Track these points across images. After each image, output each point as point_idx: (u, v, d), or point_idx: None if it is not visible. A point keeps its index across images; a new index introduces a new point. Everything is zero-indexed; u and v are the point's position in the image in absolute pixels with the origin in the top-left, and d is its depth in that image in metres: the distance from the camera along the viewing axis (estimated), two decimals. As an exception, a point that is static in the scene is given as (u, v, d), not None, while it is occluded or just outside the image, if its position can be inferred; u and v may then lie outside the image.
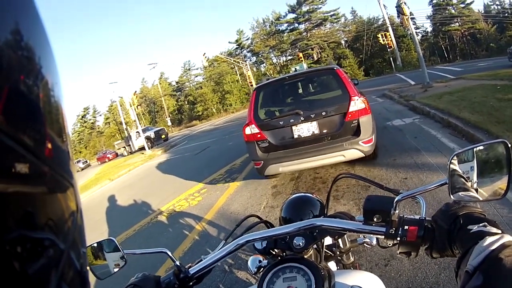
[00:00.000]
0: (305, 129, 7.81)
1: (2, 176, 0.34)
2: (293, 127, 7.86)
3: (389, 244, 1.26)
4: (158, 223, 8.73)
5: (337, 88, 8.18)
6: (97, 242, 1.67)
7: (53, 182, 0.42)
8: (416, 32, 48.24)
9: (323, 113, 7.63)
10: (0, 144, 0.34)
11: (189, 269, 1.47)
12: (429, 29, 70.14)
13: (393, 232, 1.22)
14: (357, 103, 7.48)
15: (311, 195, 1.89)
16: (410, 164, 7.28)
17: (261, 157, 8.14)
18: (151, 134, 40.48)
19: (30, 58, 0.39)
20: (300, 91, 9.63)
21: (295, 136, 7.89)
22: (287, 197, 6.63)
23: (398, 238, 1.21)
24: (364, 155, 7.46)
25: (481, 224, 1.01)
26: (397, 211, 1.22)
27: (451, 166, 1.19)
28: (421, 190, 1.29)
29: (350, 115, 7.47)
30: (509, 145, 1.14)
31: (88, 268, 0.54)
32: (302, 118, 7.72)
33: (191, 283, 1.46)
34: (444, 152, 7.44)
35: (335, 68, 8.48)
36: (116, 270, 1.64)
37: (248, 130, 8.40)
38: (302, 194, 1.94)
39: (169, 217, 8.85)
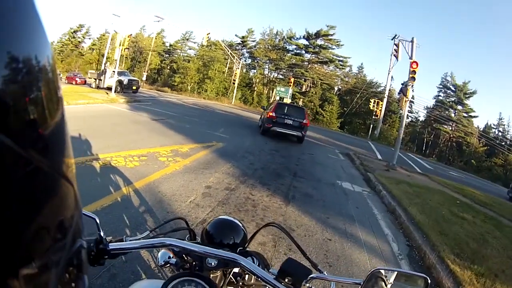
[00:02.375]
0: (289, 121, 21.51)
1: (2, 176, 0.35)
2: (285, 118, 21.43)
3: None
4: (90, 168, 8.62)
5: (302, 113, 22.59)
6: None
7: (53, 181, 0.44)
8: (407, 115, 49.00)
9: (296, 118, 21.56)
10: (0, 145, 0.35)
11: (110, 244, 1.48)
12: (421, 118, 70.29)
13: None
14: (307, 121, 22.32)
15: (239, 224, 1.92)
16: (340, 229, 7.35)
17: (272, 124, 21.50)
18: (124, 79, 40.19)
19: (27, 59, 0.39)
20: (290, 108, 23.03)
21: (285, 122, 21.34)
22: (219, 205, 7.10)
23: None
24: (300, 136, 22.09)
25: None
26: (308, 284, 1.35)
27: (370, 275, 1.28)
28: (336, 280, 1.42)
29: (303, 123, 21.81)
30: (429, 282, 1.26)
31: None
32: (288, 117, 21.41)
33: (106, 256, 1.47)
34: (376, 234, 7.55)
35: (304, 108, 26.24)
36: None
37: (271, 114, 21.67)
38: (232, 219, 1.97)
39: (103, 167, 8.76)
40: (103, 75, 41.23)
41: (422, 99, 76.60)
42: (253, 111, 52.83)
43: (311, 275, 1.35)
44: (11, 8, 0.39)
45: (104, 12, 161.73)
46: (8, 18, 0.38)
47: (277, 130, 21.47)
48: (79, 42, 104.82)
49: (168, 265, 1.77)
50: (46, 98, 0.43)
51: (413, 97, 24.50)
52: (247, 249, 1.78)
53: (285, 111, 21.90)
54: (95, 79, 44.31)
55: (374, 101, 52.93)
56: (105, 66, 44.10)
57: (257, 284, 1.78)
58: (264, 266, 1.58)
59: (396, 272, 1.32)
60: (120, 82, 38.14)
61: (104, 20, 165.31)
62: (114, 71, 36.16)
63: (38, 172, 0.40)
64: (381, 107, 52.24)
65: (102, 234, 1.49)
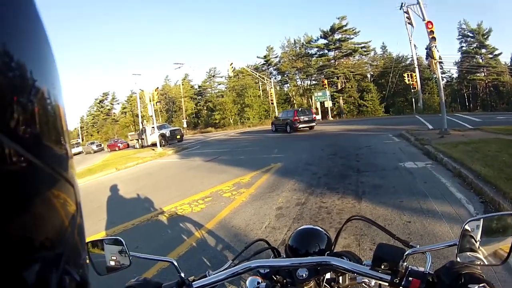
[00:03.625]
0: (305, 118, 35.13)
1: (2, 176, 0.35)
2: (303, 117, 35.04)
3: None
4: (158, 222, 8.73)
5: (310, 111, 37.38)
6: (100, 239, 1.69)
7: (53, 182, 0.45)
8: (441, 77, 48.23)
9: (308, 116, 35.66)
10: (0, 145, 0.35)
11: (193, 283, 1.47)
12: (455, 75, 69.52)
13: (397, 282, 1.24)
14: (314, 115, 37.16)
15: (320, 229, 1.87)
16: (415, 208, 7.21)
17: (297, 124, 34.27)
18: (166, 132, 39.76)
19: (27, 63, 0.40)
20: (303, 111, 36.97)
21: (303, 120, 34.91)
22: (295, 222, 6.88)
23: None
24: (314, 124, 35.77)
25: (481, 285, 1.04)
26: (405, 263, 1.26)
27: (463, 230, 1.24)
28: (431, 248, 1.36)
29: (313, 117, 36.32)
30: None
31: (87, 261, 0.56)
32: (304, 116, 35.33)
33: None
34: (450, 202, 7.39)
35: (310, 108, 45.96)
36: (113, 264, 1.65)
37: (296, 118, 34.50)
38: (312, 227, 1.92)
39: (170, 219, 8.85)
40: (144, 134, 41.69)
41: (449, 56, 74.57)
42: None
43: (406, 253, 1.29)
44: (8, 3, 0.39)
45: (124, 75, 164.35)
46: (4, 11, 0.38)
47: (301, 126, 34.79)
48: (109, 109, 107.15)
49: None
50: (44, 96, 0.44)
51: (440, 58, 24.16)
52: (334, 251, 1.73)
53: (301, 113, 35.84)
54: (137, 139, 45.12)
55: (407, 74, 52.30)
56: (143, 125, 44.69)
57: (352, 284, 1.75)
58: (356, 261, 1.49)
59: (484, 218, 1.27)
60: (163, 136, 38.39)
61: (126, 82, 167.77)
62: (153, 127, 37.02)
63: (37, 172, 0.41)
64: (415, 79, 51.51)
65: (182, 275, 1.48)
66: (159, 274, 5.60)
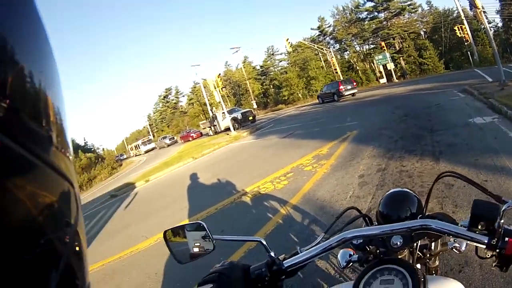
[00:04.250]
0: (348, 86, 39.51)
1: (2, 176, 0.36)
2: (346, 86, 39.33)
3: (488, 255, 1.20)
4: (242, 204, 8.83)
5: (351, 81, 41.30)
6: (179, 226, 1.70)
7: (52, 181, 0.45)
8: (489, 27, 46.71)
9: (350, 84, 39.68)
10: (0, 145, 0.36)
11: (284, 261, 1.42)
12: (500, 24, 65.95)
13: (494, 243, 1.15)
14: (355, 83, 40.67)
15: (410, 191, 1.78)
16: (490, 166, 6.98)
17: (343, 92, 38.61)
18: (238, 115, 39.83)
19: (26, 60, 0.42)
20: (345, 81, 41.21)
21: (347, 88, 39.17)
22: (378, 188, 6.85)
23: (497, 250, 1.15)
24: (356, 91, 39.72)
25: None
26: (502, 221, 1.17)
27: None
28: None
29: (354, 85, 39.88)
30: None
31: (87, 262, 0.55)
32: (347, 84, 39.49)
33: (283, 277, 1.42)
34: (522, 158, 7.21)
35: (350, 78, 48.28)
36: (197, 251, 1.64)
37: (341, 87, 38.65)
38: (401, 189, 1.83)
39: (253, 199, 8.93)
40: (216, 120, 42.03)
41: (491, 5, 71.56)
42: (365, 89, 51.74)
43: (502, 208, 1.19)
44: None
45: (182, 68, 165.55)
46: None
47: (346, 93, 38.58)
48: (175, 103, 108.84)
49: (351, 264, 1.70)
50: (44, 94, 0.45)
51: (483, 7, 23.37)
52: (426, 214, 1.62)
53: (345, 83, 40.01)
54: (209, 127, 45.67)
55: (458, 27, 50.42)
56: (213, 112, 45.17)
57: (444, 250, 1.71)
58: (451, 222, 1.33)
59: None
60: (235, 119, 38.48)
61: (187, 75, 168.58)
62: (223, 112, 37.32)
63: (37, 172, 0.41)
64: (466, 31, 49.49)
65: (272, 254, 1.45)
66: (246, 256, 5.64)
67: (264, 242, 1.50)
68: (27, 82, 0.40)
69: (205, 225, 1.63)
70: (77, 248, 0.51)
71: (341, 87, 39.76)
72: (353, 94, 39.89)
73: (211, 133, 45.15)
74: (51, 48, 0.49)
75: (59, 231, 0.45)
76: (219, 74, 37.72)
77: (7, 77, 0.36)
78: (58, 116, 0.48)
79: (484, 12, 41.07)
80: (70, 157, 0.52)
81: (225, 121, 38.29)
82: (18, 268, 0.37)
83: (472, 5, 18.60)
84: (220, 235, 1.62)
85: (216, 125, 42.33)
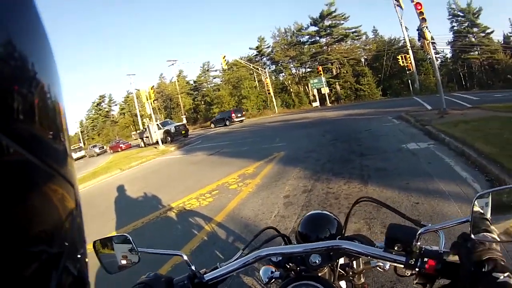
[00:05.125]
0: (238, 115, 47.76)
1: (1, 176, 0.35)
2: (236, 114, 47.07)
3: (407, 273, 1.29)
4: (167, 219, 8.80)
5: (241, 111, 49.04)
6: (107, 237, 1.72)
7: (52, 181, 0.45)
8: (435, 57, 48.15)
9: (240, 113, 48.47)
10: None
11: (205, 275, 1.49)
12: (449, 55, 69.32)
13: (412, 263, 1.25)
14: (244, 113, 50.04)
15: (329, 214, 1.88)
16: (422, 189, 7.21)
17: (233, 119, 46.79)
18: (171, 128, 39.84)
19: (26, 60, 0.41)
20: (237, 110, 47.28)
21: (236, 116, 46.88)
22: (303, 209, 6.86)
23: (417, 269, 1.24)
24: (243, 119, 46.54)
25: (506, 274, 1.03)
26: (418, 243, 1.26)
27: (474, 206, 1.23)
28: (444, 226, 1.37)
29: (242, 113, 48.01)
30: None
31: (87, 260, 0.56)
32: (238, 113, 47.03)
33: None
34: (456, 181, 7.40)
35: (242, 108, 55.27)
36: (124, 263, 1.67)
37: (233, 115, 48.12)
38: (321, 211, 1.93)
39: (179, 214, 8.91)
40: (148, 132, 41.29)
41: (441, 36, 74.31)
42: (297, 112, 52.75)
43: (418, 232, 1.27)
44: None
45: (118, 76, 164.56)
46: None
47: (235, 119, 43.52)
48: (107, 112, 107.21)
49: (273, 280, 1.70)
50: (44, 92, 0.44)
51: (432, 38, 23.98)
52: (346, 235, 1.71)
53: (236, 112, 46.74)
54: (141, 138, 44.83)
55: (401, 56, 52.11)
56: (146, 123, 44.18)
57: (367, 268, 1.76)
58: (368, 244, 1.46)
59: (494, 192, 1.26)
60: (167, 132, 39.17)
61: (122, 83, 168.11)
62: (157, 124, 37.21)
63: (36, 171, 0.41)
64: (409, 60, 51.33)
65: (193, 268, 1.50)
66: (173, 270, 5.65)
67: (185, 257, 1.54)
68: (27, 83, 0.41)
69: (130, 238, 1.67)
70: (77, 249, 0.52)
71: (233, 114, 50.84)
72: (241, 121, 49.70)
73: (142, 145, 44.29)
74: (51, 48, 0.49)
75: (59, 231, 0.47)
76: (153, 86, 37.89)
77: (7, 78, 0.37)
78: (57, 116, 0.48)
79: (433, 43, 42.42)
80: (70, 156, 0.52)
81: (157, 133, 37.90)
82: (18, 268, 0.37)
83: (421, 36, 19.06)
84: (144, 248, 1.67)
85: (147, 137, 41.89)
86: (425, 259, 1.23)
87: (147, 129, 41.83)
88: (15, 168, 0.37)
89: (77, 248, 0.51)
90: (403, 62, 51.31)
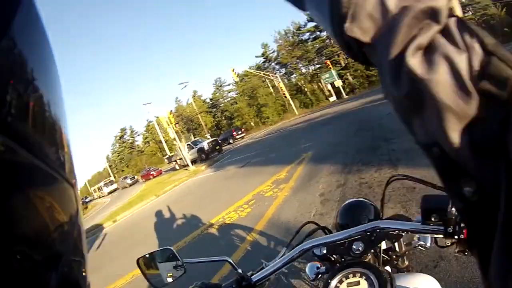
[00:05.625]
0: (239, 132, 53.01)
1: (2, 177, 0.35)
2: (237, 132, 52.46)
3: (448, 243, 1.27)
4: (209, 235, 8.87)
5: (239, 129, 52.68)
6: (151, 252, 1.75)
7: (52, 182, 0.45)
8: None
9: (240, 131, 50.31)
10: None
11: (252, 277, 1.50)
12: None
13: (451, 231, 1.21)
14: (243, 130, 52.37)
15: (365, 200, 1.92)
16: None
17: (235, 136, 48.96)
18: (204, 145, 39.28)
19: (25, 58, 0.41)
20: (236, 128, 50.70)
21: (237, 133, 49.64)
22: (340, 203, 6.42)
23: (456, 237, 1.21)
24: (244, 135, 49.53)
25: None
26: (454, 209, 1.21)
27: None
28: None
29: (243, 130, 48.41)
30: None
31: (87, 262, 0.55)
32: (238, 131, 50.52)
33: None
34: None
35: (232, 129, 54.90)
36: (170, 280, 1.67)
37: (234, 133, 50.20)
38: (356, 199, 1.96)
39: (220, 229, 8.98)
40: (180, 153, 40.70)
41: None
42: (317, 110, 52.52)
43: None
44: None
45: (135, 107, 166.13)
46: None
47: (237, 136, 45.32)
48: (131, 143, 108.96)
49: (320, 275, 1.71)
50: (44, 97, 0.44)
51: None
52: (383, 218, 1.69)
53: (236, 130, 48.11)
54: (175, 161, 45.26)
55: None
56: (178, 145, 43.41)
57: (409, 249, 1.77)
58: (406, 221, 1.44)
59: None
60: (201, 150, 39.04)
61: (140, 113, 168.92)
62: (188, 144, 38.87)
63: (36, 172, 0.41)
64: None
65: (240, 271, 1.52)
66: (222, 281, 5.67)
67: (231, 261, 1.58)
68: (27, 85, 0.41)
69: (174, 250, 1.69)
70: (77, 249, 0.52)
71: (234, 133, 55.91)
72: (242, 137, 55.09)
73: (177, 167, 44.46)
74: (52, 50, 0.48)
75: (59, 232, 0.46)
76: (171, 110, 38.42)
77: (7, 80, 0.37)
78: (58, 117, 0.47)
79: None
80: (71, 158, 0.51)
81: (191, 152, 38.03)
82: (18, 269, 0.37)
83: None
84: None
85: (181, 158, 41.69)
86: (462, 225, 1.20)
87: (178, 151, 41.49)
88: (16, 169, 0.38)
89: (78, 249, 0.52)
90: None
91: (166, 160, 58.17)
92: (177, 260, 1.67)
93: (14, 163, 0.37)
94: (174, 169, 45.80)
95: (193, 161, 36.75)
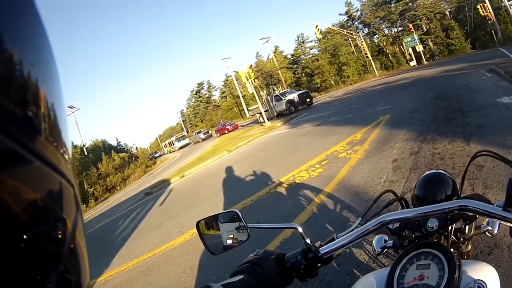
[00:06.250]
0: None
1: (1, 176, 0.35)
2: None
3: None
4: (277, 194, 8.85)
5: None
6: (213, 215, 1.68)
7: (52, 182, 0.44)
8: (508, 4, 45.89)
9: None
10: None
11: (320, 248, 1.38)
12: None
13: None
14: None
15: (445, 173, 1.70)
16: None
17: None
18: (294, 97, 36.75)
19: (25, 60, 0.40)
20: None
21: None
22: (411, 172, 6.77)
23: None
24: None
25: None
26: None
27: None
28: None
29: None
30: None
31: (87, 263, 0.54)
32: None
33: (319, 264, 1.38)
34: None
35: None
36: (230, 243, 1.61)
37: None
38: (436, 171, 1.74)
39: (289, 188, 8.93)
40: (267, 105, 39.35)
41: None
42: (397, 73, 51.43)
43: None
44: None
45: (214, 61, 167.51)
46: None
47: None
48: (207, 97, 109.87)
49: (386, 249, 1.64)
50: (43, 94, 0.43)
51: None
52: (461, 196, 1.59)
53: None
54: (259, 113, 40.39)
55: (480, 6, 50.10)
56: (266, 95, 43.82)
57: (477, 233, 1.62)
58: (487, 203, 1.23)
59: None
60: (291, 102, 37.22)
61: (219, 68, 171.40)
62: (276, 95, 38.34)
63: (37, 172, 0.40)
64: (488, 10, 49.17)
65: (308, 241, 1.42)
66: (282, 245, 5.66)
67: (300, 229, 1.46)
68: (26, 81, 0.40)
69: (239, 213, 1.61)
70: (77, 249, 0.50)
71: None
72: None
73: (261, 119, 39.01)
74: (50, 45, 0.47)
75: (59, 232, 0.45)
76: (251, 65, 36.99)
77: (5, 76, 0.36)
78: (58, 115, 0.47)
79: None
80: (70, 157, 0.50)
81: (278, 104, 37.05)
82: (17, 268, 0.36)
83: None
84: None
85: (267, 110, 38.97)
86: None
87: (266, 102, 40.43)
88: (15, 168, 0.37)
89: (77, 247, 0.50)
90: (483, 12, 49.36)
91: (249, 113, 55.75)
92: (241, 224, 1.60)
93: (14, 163, 0.37)
94: (257, 122, 43.29)
95: (280, 114, 36.29)
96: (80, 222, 0.50)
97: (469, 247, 1.77)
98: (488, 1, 49.68)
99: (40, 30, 0.45)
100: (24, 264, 0.37)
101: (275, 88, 47.92)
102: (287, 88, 67.16)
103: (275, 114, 37.31)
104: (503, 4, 40.41)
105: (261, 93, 57.73)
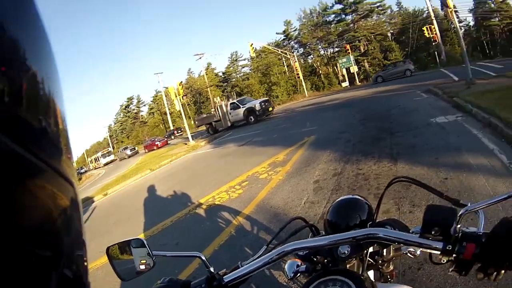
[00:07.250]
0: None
1: (2, 176, 0.34)
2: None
3: (443, 260, 1.15)
4: (196, 216, 8.79)
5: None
6: (122, 242, 1.64)
7: (52, 182, 0.43)
8: (459, 26, 47.48)
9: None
10: None
11: (224, 277, 1.38)
12: (472, 23, 68.76)
13: (449, 248, 1.10)
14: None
15: (360, 198, 1.74)
16: (450, 164, 7.07)
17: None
18: (255, 105, 33.89)
19: (20, 48, 0.39)
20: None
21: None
22: (333, 193, 6.89)
23: (454, 255, 1.10)
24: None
25: None
26: (459, 225, 1.13)
27: None
28: (488, 203, 1.22)
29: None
30: None
31: (86, 263, 0.55)
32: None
33: None
34: (483, 153, 7.26)
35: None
36: (143, 268, 1.60)
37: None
38: (350, 196, 1.78)
39: (208, 210, 8.91)
40: (219, 114, 36.57)
41: (463, 3, 73.75)
42: (327, 93, 52.51)
43: (459, 213, 1.17)
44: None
45: (146, 76, 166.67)
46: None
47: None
48: (136, 113, 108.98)
49: (299, 274, 1.58)
50: (44, 95, 0.43)
51: (454, 6, 23.36)
52: (377, 221, 1.59)
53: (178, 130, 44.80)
54: (208, 124, 39.03)
55: (427, 27, 50.84)
56: (217, 104, 38.99)
57: (397, 255, 1.65)
58: (402, 229, 1.34)
59: None
60: (250, 111, 34.05)
61: (150, 83, 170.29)
62: (233, 103, 35.72)
63: (37, 172, 0.40)
64: (435, 31, 50.31)
65: (212, 269, 1.42)
66: (197, 270, 5.63)
67: (203, 257, 1.48)
68: (27, 83, 0.41)
69: (145, 242, 1.60)
70: (77, 248, 0.52)
71: (175, 132, 54.90)
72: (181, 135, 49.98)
73: (210, 131, 38.36)
74: (51, 47, 0.49)
75: (59, 231, 0.46)
76: (181, 82, 36.52)
77: (7, 78, 0.37)
78: (58, 116, 0.48)
79: (456, 11, 41.74)
80: (70, 157, 0.52)
81: (235, 113, 34.45)
82: (17, 268, 0.37)
83: (444, 4, 18.98)
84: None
85: (219, 121, 36.92)
86: (464, 244, 1.09)
87: (217, 110, 37.49)
88: (15, 169, 0.37)
89: (77, 248, 0.51)
90: (428, 33, 50.28)
91: (195, 123, 51.19)
92: (147, 252, 1.58)
93: (14, 163, 0.38)
94: (207, 133, 40.19)
95: (233, 125, 34.55)
96: (80, 222, 0.52)
97: (391, 267, 1.78)
98: (436, 23, 51.35)
99: (42, 34, 0.45)
100: (24, 264, 0.38)
101: (231, 94, 47.84)
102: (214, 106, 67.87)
103: (229, 124, 35.91)
104: (453, 26, 41.67)
105: (188, 111, 57.97)
